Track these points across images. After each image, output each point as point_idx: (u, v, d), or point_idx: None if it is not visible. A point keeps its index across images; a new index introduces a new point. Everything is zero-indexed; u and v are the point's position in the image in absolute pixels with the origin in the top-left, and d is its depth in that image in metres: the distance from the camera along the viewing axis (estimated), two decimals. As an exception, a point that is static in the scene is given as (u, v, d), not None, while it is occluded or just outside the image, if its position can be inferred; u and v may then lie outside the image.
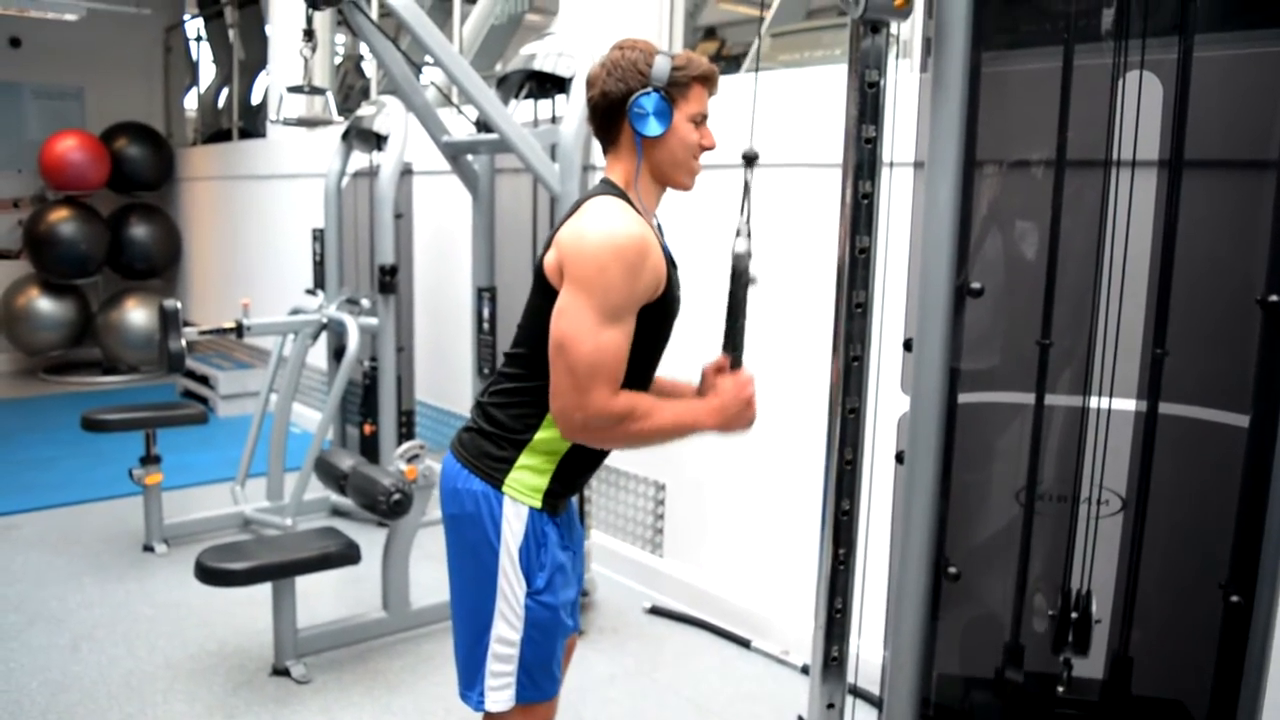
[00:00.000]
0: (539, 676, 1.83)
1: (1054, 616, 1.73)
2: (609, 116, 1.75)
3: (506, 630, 1.79)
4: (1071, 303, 1.71)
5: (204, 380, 6.97)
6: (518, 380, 1.79)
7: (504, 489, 1.78)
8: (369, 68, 7.10)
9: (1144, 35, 1.60)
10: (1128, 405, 1.72)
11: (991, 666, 1.89)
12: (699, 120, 1.77)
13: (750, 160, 1.83)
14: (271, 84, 6.90)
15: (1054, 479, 1.82)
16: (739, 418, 1.85)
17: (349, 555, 3.11)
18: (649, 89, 1.70)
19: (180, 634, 3.46)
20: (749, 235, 1.84)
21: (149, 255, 8.40)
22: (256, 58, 8.18)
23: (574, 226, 1.69)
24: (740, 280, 1.84)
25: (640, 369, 1.78)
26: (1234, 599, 1.60)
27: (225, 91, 8.69)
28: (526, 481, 1.78)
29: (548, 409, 1.72)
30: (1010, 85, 1.70)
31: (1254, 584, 1.59)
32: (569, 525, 1.88)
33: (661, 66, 1.72)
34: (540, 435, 1.77)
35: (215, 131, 8.65)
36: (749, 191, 1.83)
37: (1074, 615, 1.72)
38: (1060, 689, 1.74)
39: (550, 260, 1.71)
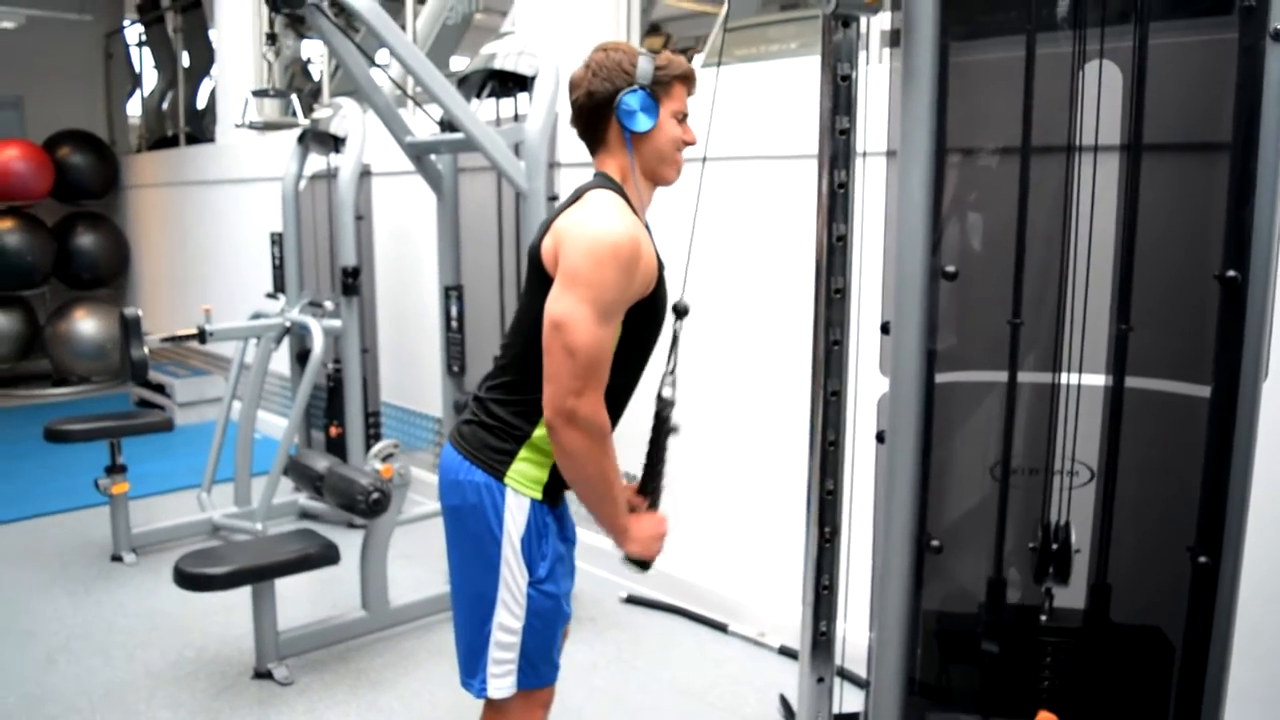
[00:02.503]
0: (539, 663, 1.88)
1: (1034, 549, 1.79)
2: (595, 116, 1.80)
3: (509, 619, 1.83)
4: (1040, 283, 1.78)
5: (160, 389, 6.89)
6: (517, 374, 1.82)
7: (506, 480, 1.81)
8: (315, 70, 7.04)
9: (1102, 24, 1.67)
10: (1096, 380, 1.79)
11: (971, 640, 1.96)
12: (680, 118, 1.83)
13: (681, 313, 1.90)
14: (219, 88, 6.83)
15: (1027, 453, 1.89)
16: (646, 546, 1.90)
17: (328, 556, 3.12)
18: (635, 87, 1.76)
19: (157, 642, 3.44)
20: (674, 384, 1.91)
21: (96, 264, 8.27)
22: (201, 62, 8.08)
23: (573, 218, 1.73)
24: (663, 428, 1.92)
25: (628, 368, 1.82)
26: (1202, 560, 1.68)
27: (169, 97, 8.57)
28: (528, 474, 1.82)
29: None
30: (977, 74, 1.77)
31: (1220, 545, 1.67)
32: (565, 517, 1.92)
33: (645, 66, 1.78)
34: (540, 431, 1.79)
35: (160, 138, 8.53)
36: (677, 341, 1.91)
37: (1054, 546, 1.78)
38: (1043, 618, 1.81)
39: (547, 247, 1.75)
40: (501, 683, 1.86)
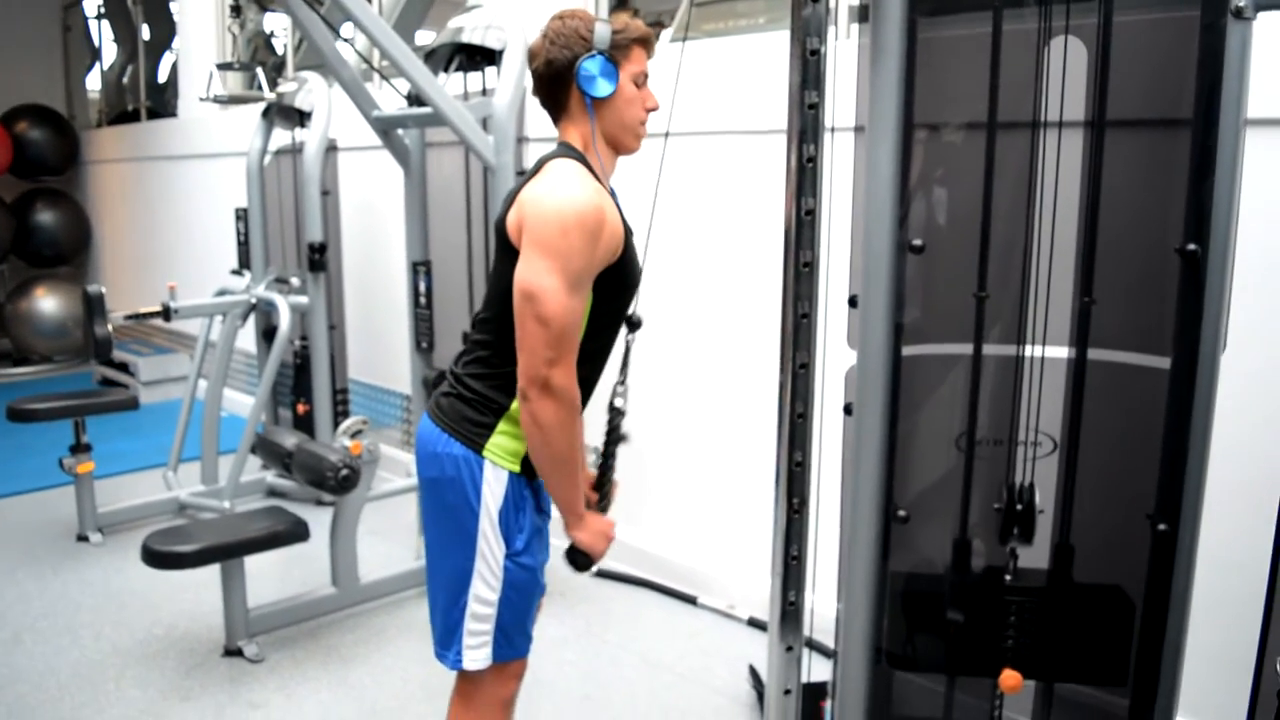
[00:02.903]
0: (514, 635, 1.90)
1: (999, 509, 1.82)
2: (556, 84, 1.81)
3: (485, 591, 1.84)
4: (1005, 257, 1.80)
5: (124, 367, 6.81)
6: (491, 348, 1.83)
7: (484, 453, 1.82)
8: (279, 44, 6.96)
9: (1067, 0, 1.68)
10: (1059, 352, 1.82)
11: (936, 601, 1.99)
12: (641, 81, 1.84)
13: (634, 325, 1.94)
14: (181, 62, 6.73)
15: (991, 424, 1.92)
16: (591, 545, 1.90)
17: (297, 533, 3.11)
18: (593, 53, 1.76)
19: (125, 621, 3.42)
20: (625, 395, 1.95)
21: (56, 241, 8.15)
22: (162, 35, 7.96)
23: (537, 189, 1.74)
24: (614, 436, 1.95)
25: (599, 335, 1.84)
26: (1161, 528, 1.72)
27: (129, 71, 8.43)
28: (506, 446, 1.83)
29: None
30: (944, 51, 1.78)
31: (1178, 513, 1.71)
32: (542, 490, 1.92)
33: (603, 31, 1.78)
34: (518, 403, 1.80)
35: (120, 112, 8.40)
36: (629, 354, 1.95)
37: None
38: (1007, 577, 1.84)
39: (512, 219, 1.76)
40: (477, 654, 1.87)
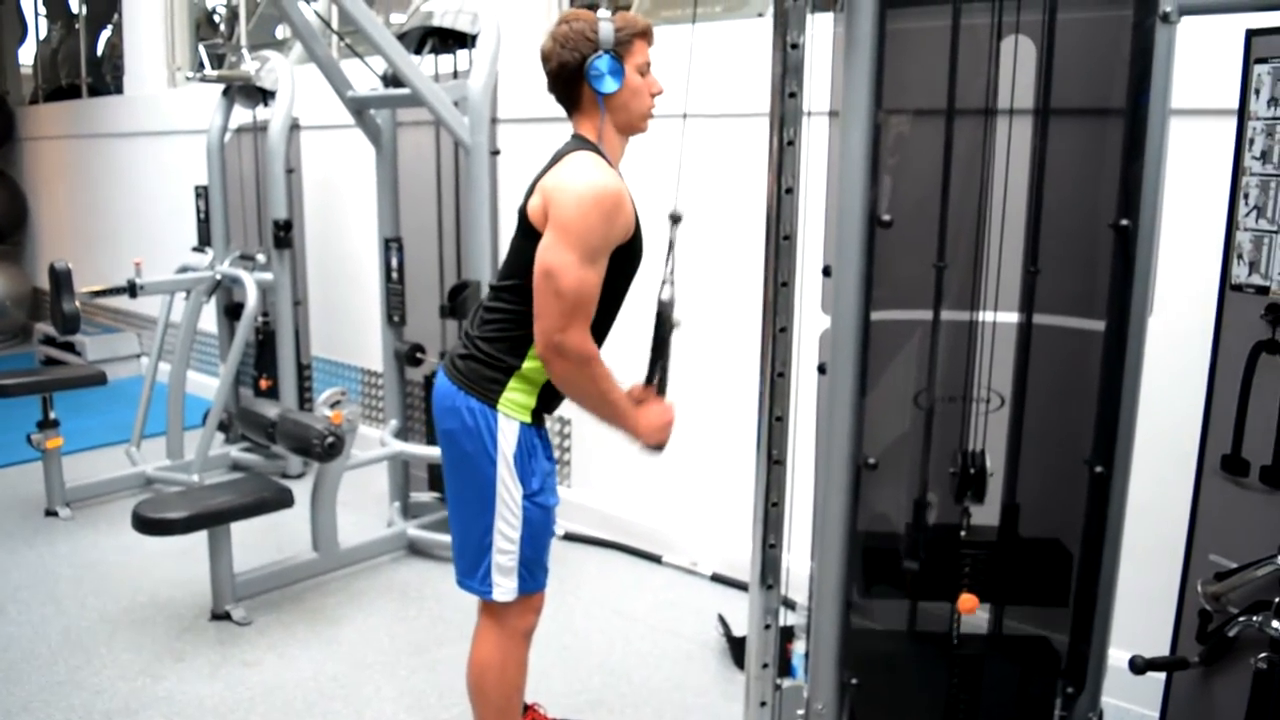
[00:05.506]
0: (535, 570, 2.13)
1: (955, 474, 2.04)
2: (569, 84, 1.99)
3: (508, 529, 2.05)
4: (962, 231, 2.01)
5: (69, 347, 6.77)
6: (505, 315, 2.02)
7: (498, 407, 2.02)
8: (224, 23, 6.92)
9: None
10: (1009, 317, 2.04)
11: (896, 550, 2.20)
12: (644, 70, 2.03)
13: (676, 220, 2.12)
14: (128, 38, 6.67)
15: (948, 382, 2.13)
16: (655, 435, 2.14)
17: (282, 500, 3.24)
18: (599, 52, 1.93)
19: (107, 590, 3.51)
20: (673, 285, 2.12)
21: (-9, 219, 8.04)
22: (99, 10, 7.85)
23: (558, 177, 1.92)
24: (665, 325, 2.14)
25: (607, 307, 2.03)
26: (1098, 470, 1.95)
27: (63, 46, 8.30)
28: (517, 400, 2.03)
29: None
30: (910, 42, 1.97)
31: (1112, 457, 1.95)
32: (548, 441, 2.12)
33: (606, 30, 1.96)
34: (528, 365, 2.01)
35: (55, 88, 8.27)
36: (673, 247, 2.12)
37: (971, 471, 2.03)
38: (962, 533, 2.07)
39: (534, 205, 1.94)
40: (505, 588, 2.09)
